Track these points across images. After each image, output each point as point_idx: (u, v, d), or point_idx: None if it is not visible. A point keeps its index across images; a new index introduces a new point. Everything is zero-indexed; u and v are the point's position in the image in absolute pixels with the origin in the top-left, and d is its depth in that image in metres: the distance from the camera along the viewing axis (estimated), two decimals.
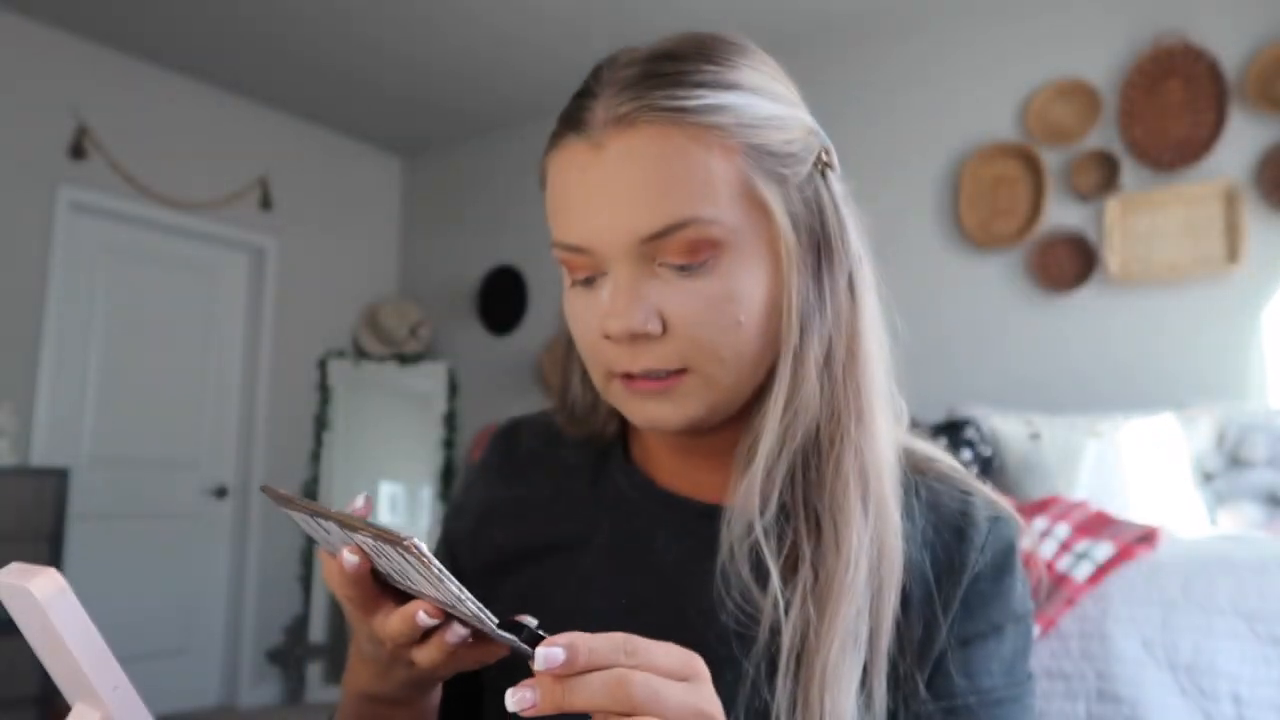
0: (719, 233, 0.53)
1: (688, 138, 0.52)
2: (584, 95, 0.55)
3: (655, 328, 0.53)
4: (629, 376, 0.55)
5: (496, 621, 0.43)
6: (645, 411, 0.56)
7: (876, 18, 3.52)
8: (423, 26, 3.64)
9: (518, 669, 0.61)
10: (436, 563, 0.41)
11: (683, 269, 0.53)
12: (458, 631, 0.46)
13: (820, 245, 0.57)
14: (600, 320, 0.55)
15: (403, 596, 0.49)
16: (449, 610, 0.45)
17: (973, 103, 3.32)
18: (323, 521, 0.47)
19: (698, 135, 0.52)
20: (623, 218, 0.52)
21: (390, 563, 0.45)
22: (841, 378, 0.56)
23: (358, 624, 0.50)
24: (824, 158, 0.58)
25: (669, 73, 0.53)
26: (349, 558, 0.46)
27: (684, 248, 0.53)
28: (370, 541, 0.44)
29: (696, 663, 0.42)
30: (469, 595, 0.42)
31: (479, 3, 3.47)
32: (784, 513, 0.56)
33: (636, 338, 0.54)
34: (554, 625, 0.45)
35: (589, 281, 0.56)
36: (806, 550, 0.54)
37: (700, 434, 0.59)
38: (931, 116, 3.39)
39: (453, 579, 0.41)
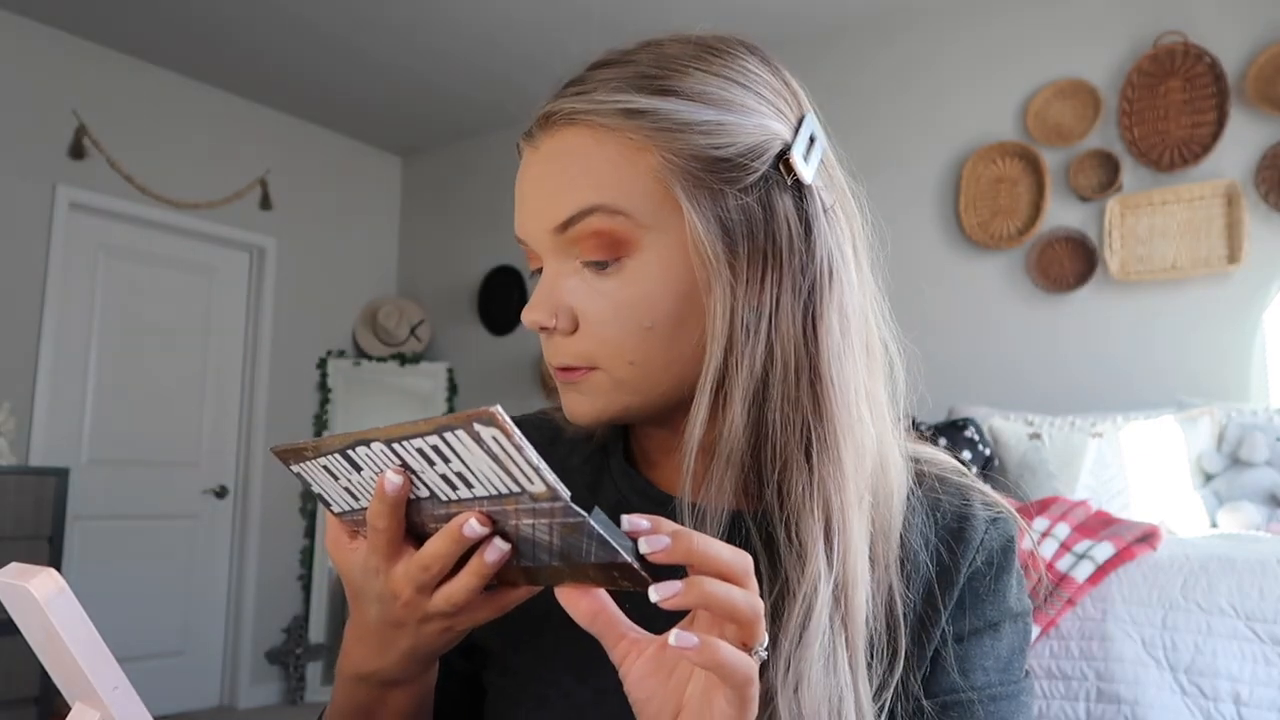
0: (626, 228, 0.53)
1: (595, 139, 0.54)
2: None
3: (564, 325, 0.55)
4: (557, 367, 0.58)
5: (569, 495, 0.40)
6: (566, 402, 0.58)
7: (876, 18, 3.52)
8: (423, 26, 3.64)
9: (516, 674, 0.61)
10: (518, 432, 0.38)
11: (599, 267, 0.54)
12: (499, 546, 0.44)
13: (767, 260, 0.54)
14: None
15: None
16: (498, 518, 0.43)
17: (973, 103, 3.32)
18: (358, 452, 0.43)
19: (604, 137, 0.53)
20: (538, 210, 0.56)
21: (440, 469, 0.42)
22: (796, 402, 0.54)
23: (370, 578, 0.48)
24: (786, 169, 0.55)
25: (602, 78, 0.55)
26: (392, 478, 0.43)
27: (594, 242, 0.54)
28: (429, 444, 0.41)
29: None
30: (546, 465, 0.39)
31: (480, 2, 3.47)
32: (746, 534, 0.55)
33: (549, 332, 0.56)
34: (554, 630, 0.45)
35: (541, 274, 0.59)
36: (772, 585, 0.53)
37: (673, 431, 0.59)
38: (931, 116, 3.39)
39: (532, 449, 0.39)
